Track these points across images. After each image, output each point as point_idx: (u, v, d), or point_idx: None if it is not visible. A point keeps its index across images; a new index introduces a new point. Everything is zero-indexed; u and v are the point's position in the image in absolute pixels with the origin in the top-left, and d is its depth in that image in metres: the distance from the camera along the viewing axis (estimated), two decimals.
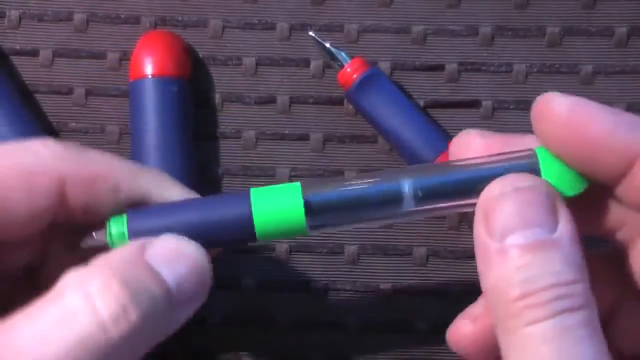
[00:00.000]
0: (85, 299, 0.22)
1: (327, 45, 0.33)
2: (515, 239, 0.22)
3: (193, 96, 0.33)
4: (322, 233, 0.33)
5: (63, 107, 0.34)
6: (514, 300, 0.21)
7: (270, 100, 0.34)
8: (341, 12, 0.34)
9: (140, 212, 0.26)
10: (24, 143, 0.25)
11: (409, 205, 0.25)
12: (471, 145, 0.25)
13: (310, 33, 0.33)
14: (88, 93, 0.34)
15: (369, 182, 0.26)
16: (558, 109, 0.24)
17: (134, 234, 0.25)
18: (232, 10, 0.34)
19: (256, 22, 0.34)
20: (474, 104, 0.34)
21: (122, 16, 0.34)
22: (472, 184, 0.24)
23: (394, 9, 0.34)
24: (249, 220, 0.26)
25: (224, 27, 0.34)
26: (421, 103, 0.34)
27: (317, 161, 0.34)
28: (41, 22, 0.34)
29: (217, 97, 0.34)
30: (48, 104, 0.34)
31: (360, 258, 0.33)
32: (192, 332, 0.33)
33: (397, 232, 0.33)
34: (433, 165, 0.27)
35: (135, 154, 0.32)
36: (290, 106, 0.34)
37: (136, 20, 0.34)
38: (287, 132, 0.34)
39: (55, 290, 0.22)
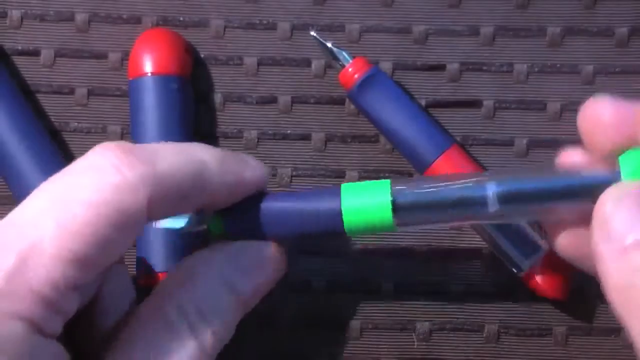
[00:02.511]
0: None
1: (329, 45, 0.33)
2: (633, 237, 0.23)
3: (194, 95, 0.33)
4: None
5: (65, 107, 0.34)
6: None
7: (272, 100, 0.34)
8: (343, 12, 0.34)
9: (235, 210, 0.28)
10: (109, 174, 0.25)
11: (493, 208, 0.26)
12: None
13: (312, 33, 0.33)
14: (90, 93, 0.34)
15: (455, 183, 0.27)
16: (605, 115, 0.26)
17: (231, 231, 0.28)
18: (233, 10, 0.34)
19: (257, 22, 0.34)
20: (475, 103, 0.34)
21: (124, 16, 0.34)
22: (559, 191, 0.26)
23: (395, 9, 0.34)
24: (338, 214, 0.27)
25: (225, 27, 0.34)
26: (422, 103, 0.34)
27: (318, 161, 0.34)
28: (43, 22, 0.34)
29: (219, 97, 0.34)
30: (49, 103, 0.34)
31: (361, 258, 0.33)
32: None
33: (398, 232, 0.33)
34: (521, 170, 0.28)
35: None
36: (291, 106, 0.34)
37: (138, 20, 0.34)
38: (288, 132, 0.34)
39: None
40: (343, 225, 0.27)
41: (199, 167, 0.26)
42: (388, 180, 0.28)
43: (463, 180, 0.27)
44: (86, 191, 0.24)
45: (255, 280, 0.28)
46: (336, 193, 0.27)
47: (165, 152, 0.26)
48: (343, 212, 0.27)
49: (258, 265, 0.28)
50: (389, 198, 0.27)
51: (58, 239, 0.23)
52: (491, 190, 0.26)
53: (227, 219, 0.28)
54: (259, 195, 0.28)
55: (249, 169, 0.28)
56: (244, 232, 0.28)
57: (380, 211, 0.27)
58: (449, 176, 0.28)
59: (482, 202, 0.26)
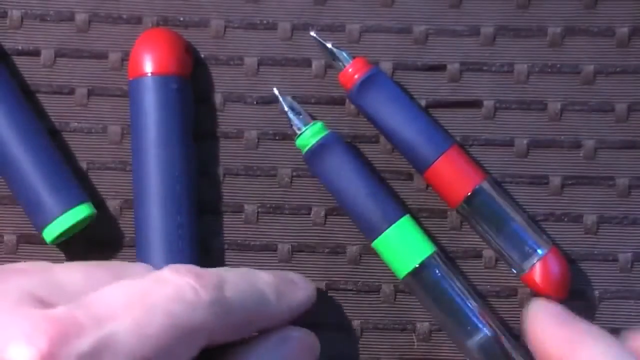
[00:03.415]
0: None
1: (329, 45, 0.33)
2: None
3: (194, 95, 0.33)
4: (323, 232, 0.33)
5: (65, 107, 0.34)
6: None
7: (272, 100, 0.34)
8: (343, 12, 0.34)
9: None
10: (176, 288, 0.26)
11: None
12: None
13: (312, 33, 0.33)
14: (90, 93, 0.34)
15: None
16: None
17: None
18: (233, 10, 0.34)
19: (258, 22, 0.34)
20: (475, 103, 0.34)
21: (124, 16, 0.34)
22: None
23: (395, 9, 0.34)
24: (379, 232, 0.32)
25: (225, 27, 0.34)
26: (423, 103, 0.34)
27: None
28: (43, 22, 0.34)
29: (219, 97, 0.34)
30: (49, 104, 0.34)
31: (362, 258, 0.33)
32: None
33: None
34: None
35: (135, 153, 0.32)
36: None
37: (138, 20, 0.34)
38: (288, 132, 0.34)
39: None
40: (373, 240, 0.32)
41: (259, 298, 0.29)
42: (432, 250, 0.32)
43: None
44: (165, 301, 0.26)
45: None
46: (392, 219, 0.31)
47: (231, 281, 0.28)
48: (382, 235, 0.31)
49: (299, 353, 0.30)
50: (417, 263, 0.31)
51: (134, 338, 0.25)
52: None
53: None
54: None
55: (300, 292, 0.31)
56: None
57: (399, 262, 0.32)
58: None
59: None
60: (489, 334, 0.31)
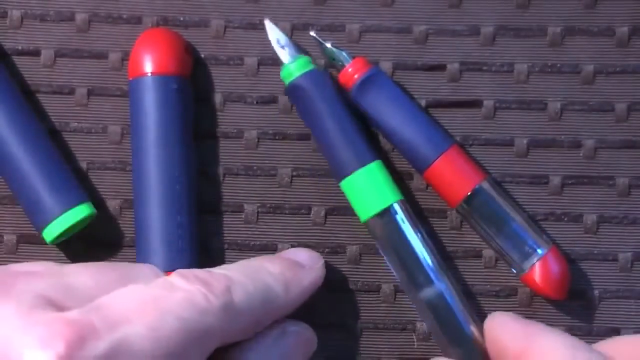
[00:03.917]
0: None
1: (328, 45, 0.33)
2: None
3: (194, 95, 0.33)
4: (323, 232, 0.33)
5: (65, 107, 0.34)
6: None
7: (272, 100, 0.34)
8: (343, 12, 0.34)
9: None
10: (186, 293, 0.27)
11: None
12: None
13: (312, 33, 0.33)
14: (90, 93, 0.34)
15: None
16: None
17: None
18: (233, 10, 0.34)
19: (258, 22, 0.34)
20: (475, 103, 0.34)
21: (124, 16, 0.34)
22: None
23: (395, 8, 0.34)
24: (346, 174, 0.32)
25: (225, 27, 0.34)
26: (423, 103, 0.34)
27: (319, 160, 0.34)
28: (43, 22, 0.34)
29: (219, 97, 0.34)
30: (49, 104, 0.34)
31: (362, 258, 0.33)
32: None
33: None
34: None
35: (135, 153, 0.32)
36: (291, 106, 0.34)
37: (138, 20, 0.34)
38: (289, 132, 0.34)
39: None
40: (341, 180, 0.32)
41: (267, 295, 0.29)
42: (399, 198, 0.31)
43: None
44: (177, 305, 0.26)
45: None
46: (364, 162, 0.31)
47: (238, 282, 0.28)
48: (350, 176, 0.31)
49: (297, 347, 0.31)
50: (382, 206, 0.31)
51: (148, 342, 0.25)
52: None
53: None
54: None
55: (307, 276, 0.31)
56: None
57: (363, 205, 0.32)
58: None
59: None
60: (439, 290, 0.31)
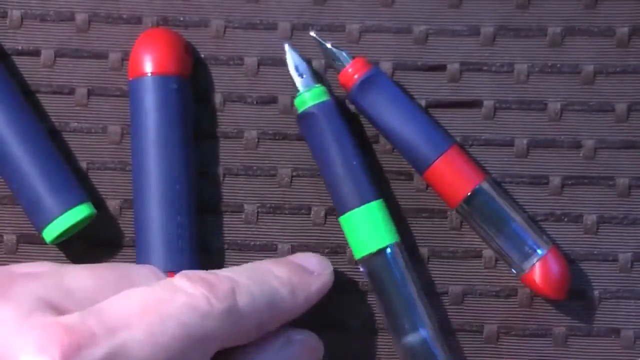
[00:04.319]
0: None
1: (328, 45, 0.33)
2: None
3: (194, 95, 0.33)
4: (323, 232, 0.34)
5: (64, 107, 0.34)
6: None
7: (272, 100, 0.34)
8: (343, 12, 0.34)
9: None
10: (188, 297, 0.27)
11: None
12: None
13: (312, 33, 0.33)
14: (90, 93, 0.34)
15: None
16: None
17: None
18: (233, 10, 0.34)
19: (258, 22, 0.34)
20: (475, 104, 0.34)
21: (124, 16, 0.34)
22: None
23: (395, 9, 0.34)
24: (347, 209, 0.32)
25: (225, 27, 0.34)
26: (422, 103, 0.34)
27: None
28: (43, 22, 0.34)
29: (219, 97, 0.34)
30: (49, 104, 0.34)
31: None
32: None
33: (399, 233, 0.33)
34: None
35: (135, 153, 0.32)
36: (291, 106, 0.34)
37: (138, 20, 0.34)
38: (289, 132, 0.34)
39: None
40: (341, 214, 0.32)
41: (273, 299, 0.29)
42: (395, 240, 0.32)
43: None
44: (178, 310, 0.26)
45: None
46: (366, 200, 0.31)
47: (243, 285, 0.28)
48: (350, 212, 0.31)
49: (302, 356, 0.30)
50: (383, 246, 0.31)
51: (147, 347, 0.25)
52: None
53: None
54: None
55: (315, 282, 0.31)
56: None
57: (359, 243, 0.32)
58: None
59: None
60: (423, 337, 0.31)
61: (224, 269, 0.30)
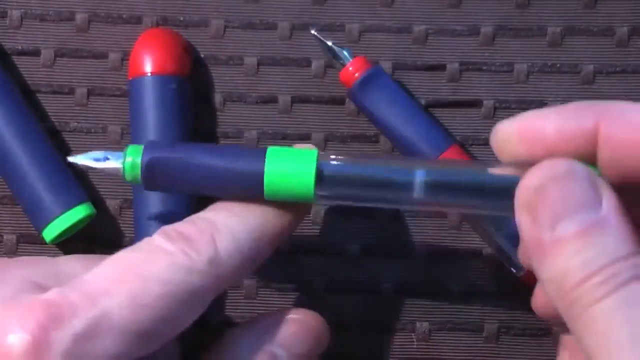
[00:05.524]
0: None
1: (329, 43, 0.33)
2: (566, 227, 0.22)
3: (194, 95, 0.33)
4: (323, 232, 0.34)
5: (64, 107, 0.34)
6: (575, 287, 0.22)
7: (272, 100, 0.34)
8: (343, 11, 0.34)
9: (159, 145, 0.28)
10: (172, 258, 0.26)
11: (418, 195, 0.26)
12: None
13: (312, 32, 0.33)
14: (90, 93, 0.34)
15: (384, 163, 0.27)
16: (507, 131, 0.25)
17: (146, 165, 0.27)
18: (233, 10, 0.34)
19: (257, 21, 0.34)
20: (475, 103, 0.34)
21: (124, 16, 0.34)
22: (485, 186, 0.25)
23: (395, 8, 0.34)
24: (259, 176, 0.27)
25: (225, 27, 0.34)
26: (422, 103, 0.34)
27: None
28: (43, 22, 0.34)
29: (219, 97, 0.34)
30: (49, 103, 0.34)
31: (361, 258, 0.33)
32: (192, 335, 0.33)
33: (399, 233, 0.33)
34: (452, 162, 0.28)
35: None
36: (291, 106, 0.34)
37: (138, 20, 0.34)
38: (289, 131, 0.34)
39: None
40: (263, 188, 0.27)
41: (256, 223, 0.27)
42: (315, 150, 0.27)
43: (394, 162, 0.27)
44: (159, 269, 0.25)
45: (296, 352, 0.29)
46: (261, 155, 0.27)
47: (222, 224, 0.27)
48: (265, 175, 0.27)
49: (299, 336, 0.29)
50: (314, 167, 0.27)
51: (130, 311, 0.24)
52: (420, 177, 0.26)
53: (146, 168, 0.27)
54: (184, 145, 0.28)
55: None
56: (160, 181, 0.28)
57: (303, 179, 0.27)
58: (383, 157, 0.27)
59: (407, 187, 0.26)
60: None
61: (205, 210, 0.28)
